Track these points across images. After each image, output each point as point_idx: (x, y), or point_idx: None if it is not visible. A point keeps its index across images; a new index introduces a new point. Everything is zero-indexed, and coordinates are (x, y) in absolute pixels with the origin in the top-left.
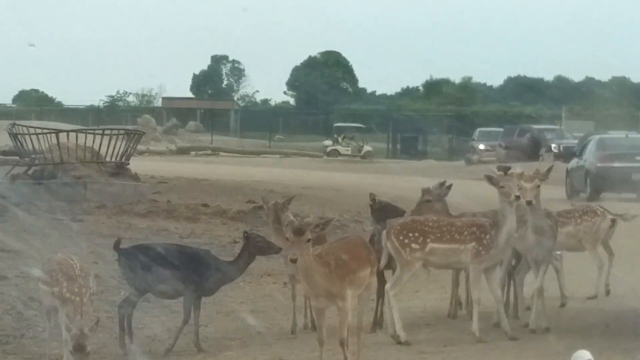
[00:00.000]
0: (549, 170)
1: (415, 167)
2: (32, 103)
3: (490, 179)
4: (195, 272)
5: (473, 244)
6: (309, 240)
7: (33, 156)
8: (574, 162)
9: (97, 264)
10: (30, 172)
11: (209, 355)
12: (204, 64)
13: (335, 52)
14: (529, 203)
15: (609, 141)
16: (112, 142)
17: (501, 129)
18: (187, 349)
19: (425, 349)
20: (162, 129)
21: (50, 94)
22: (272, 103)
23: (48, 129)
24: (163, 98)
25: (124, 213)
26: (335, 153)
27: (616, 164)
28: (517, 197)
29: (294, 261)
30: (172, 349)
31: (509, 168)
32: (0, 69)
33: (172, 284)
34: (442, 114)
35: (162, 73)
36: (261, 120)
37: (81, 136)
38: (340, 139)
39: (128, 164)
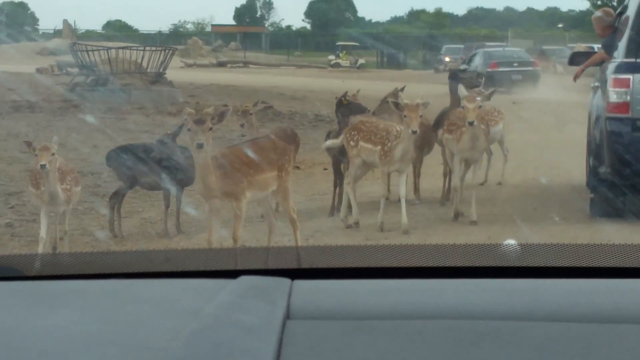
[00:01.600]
0: (492, 93)
1: (397, 75)
2: (117, 30)
3: (395, 105)
4: (173, 165)
5: (379, 147)
6: (210, 129)
7: (91, 68)
8: (462, 67)
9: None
10: (88, 81)
11: (185, 237)
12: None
13: None
14: (470, 123)
15: (492, 53)
16: (152, 56)
17: (462, 46)
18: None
19: (371, 235)
20: (211, 47)
21: (129, 23)
22: (294, 28)
23: (101, 46)
24: (212, 25)
25: (159, 113)
26: (337, 65)
27: (500, 69)
28: (414, 132)
29: (200, 146)
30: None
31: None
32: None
33: (153, 177)
34: (419, 35)
35: (212, 6)
36: (285, 41)
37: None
38: (341, 54)
39: (164, 73)
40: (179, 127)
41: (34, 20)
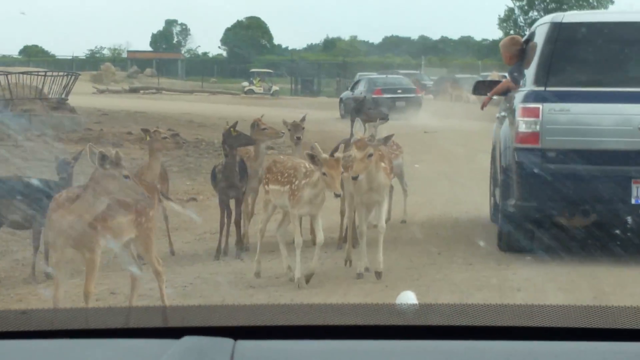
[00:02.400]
0: (388, 138)
1: (310, 102)
2: (33, 55)
3: (311, 159)
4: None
5: (287, 187)
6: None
7: None
8: (347, 94)
9: None
10: None
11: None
12: (160, 26)
13: (256, 17)
14: (354, 178)
15: (376, 80)
16: (54, 81)
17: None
18: None
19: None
20: (126, 73)
21: (46, 48)
22: (210, 55)
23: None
24: (128, 51)
25: (59, 140)
26: (251, 92)
27: (384, 95)
28: (337, 195)
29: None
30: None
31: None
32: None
33: (20, 214)
34: (333, 62)
35: (128, 33)
36: (201, 67)
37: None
38: (254, 81)
39: (67, 99)
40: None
41: None
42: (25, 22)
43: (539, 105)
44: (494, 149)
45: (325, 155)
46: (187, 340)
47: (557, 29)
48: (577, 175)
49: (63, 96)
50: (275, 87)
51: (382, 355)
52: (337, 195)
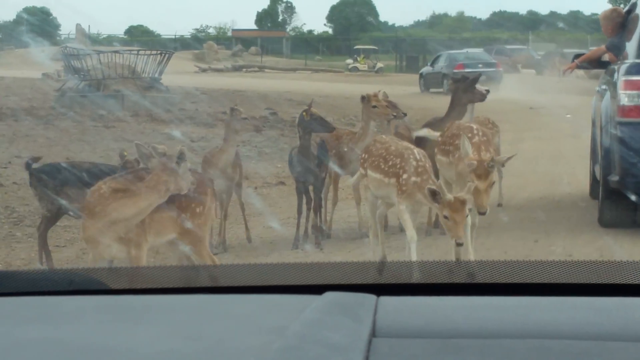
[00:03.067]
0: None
1: (415, 79)
2: (138, 35)
3: (433, 195)
4: None
5: (394, 179)
6: None
7: (82, 73)
8: (427, 69)
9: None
10: (80, 86)
11: None
12: (265, 4)
13: None
14: (481, 213)
15: (457, 55)
16: (147, 60)
17: (482, 49)
18: None
19: None
20: (231, 52)
21: (151, 28)
22: (315, 32)
23: (93, 49)
24: (233, 30)
25: (152, 121)
26: (355, 69)
27: (466, 70)
28: (459, 244)
29: None
30: None
31: None
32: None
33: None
34: (439, 39)
35: (233, 11)
36: (306, 45)
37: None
38: (359, 58)
39: (160, 78)
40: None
41: (56, 25)
42: (131, 2)
43: None
44: (593, 124)
45: (450, 197)
46: (329, 295)
47: None
48: None
49: (156, 75)
50: (379, 64)
51: (517, 309)
52: (459, 244)
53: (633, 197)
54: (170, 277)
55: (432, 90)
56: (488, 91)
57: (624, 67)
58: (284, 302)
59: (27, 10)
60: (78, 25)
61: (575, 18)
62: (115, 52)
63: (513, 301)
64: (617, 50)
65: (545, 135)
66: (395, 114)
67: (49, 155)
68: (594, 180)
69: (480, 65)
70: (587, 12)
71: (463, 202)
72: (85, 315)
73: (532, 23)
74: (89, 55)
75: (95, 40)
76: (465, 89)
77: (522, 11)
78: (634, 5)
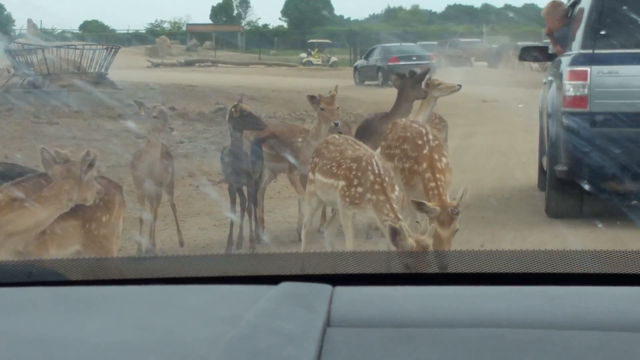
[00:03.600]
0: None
1: None
2: (93, 30)
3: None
4: None
5: (343, 182)
6: None
7: (25, 70)
8: (362, 62)
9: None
10: (24, 82)
11: None
12: None
13: None
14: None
15: (391, 48)
16: (94, 55)
17: (436, 43)
18: None
19: None
20: (185, 47)
21: (106, 23)
22: (270, 27)
23: (36, 45)
24: (188, 24)
25: (99, 117)
26: (309, 63)
27: (401, 62)
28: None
29: None
30: None
31: None
32: (71, 4)
33: None
34: (393, 32)
35: (188, 6)
36: (261, 39)
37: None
38: (312, 52)
39: (107, 74)
40: None
41: (11, 20)
42: None
43: (587, 68)
44: (541, 116)
45: (412, 242)
46: (285, 285)
47: None
48: (628, 138)
49: (102, 70)
50: (334, 58)
51: (470, 298)
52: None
53: (580, 187)
54: (128, 268)
55: (366, 83)
56: (460, 86)
57: (568, 58)
58: (239, 293)
59: None
60: (29, 20)
61: (529, 10)
62: (59, 47)
63: (466, 290)
64: (563, 42)
65: (498, 128)
66: (337, 122)
67: None
68: (541, 171)
69: (414, 58)
70: (541, 4)
71: (425, 249)
72: (40, 307)
73: (486, 16)
74: (33, 50)
75: (49, 35)
76: (412, 84)
77: (477, 4)
78: (577, 1)
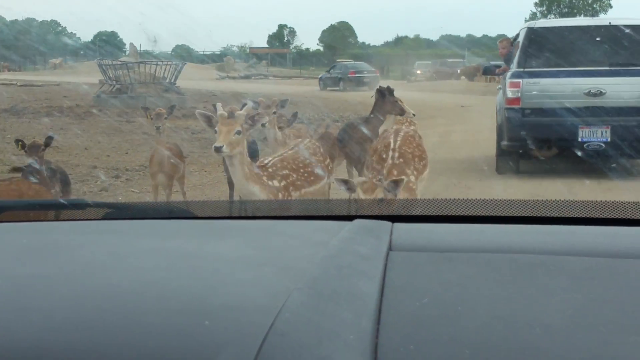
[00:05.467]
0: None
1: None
2: (181, 51)
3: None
4: None
5: None
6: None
7: (113, 80)
8: (325, 74)
9: (127, 154)
10: (112, 89)
11: None
12: (274, 29)
13: (345, 21)
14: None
15: (348, 64)
16: (166, 69)
17: (430, 62)
18: None
19: None
20: (248, 64)
21: (191, 46)
22: (311, 50)
23: (120, 61)
24: (250, 47)
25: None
26: None
27: (356, 75)
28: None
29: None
30: None
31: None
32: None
33: None
34: (400, 54)
35: (252, 34)
36: (303, 59)
37: (149, 66)
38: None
39: (174, 83)
40: None
41: (122, 43)
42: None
43: (520, 80)
44: (496, 111)
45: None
46: (358, 222)
47: (531, 31)
48: (544, 124)
49: (172, 80)
50: None
51: (524, 236)
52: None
53: (516, 154)
54: (244, 208)
55: (328, 89)
56: (414, 114)
57: (509, 74)
58: (325, 226)
59: (101, 33)
60: (131, 44)
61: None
62: (139, 63)
63: (489, 227)
64: (508, 64)
65: (471, 127)
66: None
67: (74, 144)
68: (498, 146)
69: (365, 72)
70: (510, 34)
71: (368, 191)
72: (182, 234)
73: (469, 43)
74: (119, 66)
75: (146, 55)
76: (390, 99)
77: (463, 34)
78: (517, 35)
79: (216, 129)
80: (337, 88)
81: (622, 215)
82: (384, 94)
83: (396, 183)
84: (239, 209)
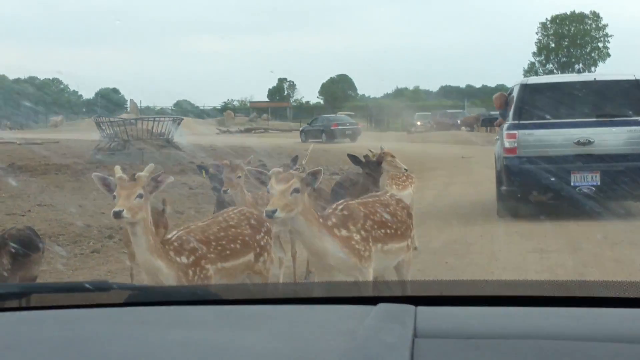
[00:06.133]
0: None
1: (379, 135)
2: (183, 107)
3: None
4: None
5: None
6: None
7: (112, 137)
8: (307, 127)
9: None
10: (110, 145)
11: None
12: (274, 83)
13: (344, 74)
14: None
15: (330, 117)
16: (162, 125)
17: (430, 113)
18: None
19: None
20: (248, 118)
21: (192, 101)
22: (311, 102)
23: (118, 118)
24: (251, 102)
25: (165, 171)
26: None
27: (339, 127)
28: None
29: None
30: None
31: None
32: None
33: None
34: (401, 106)
35: (252, 88)
36: (303, 112)
37: (147, 122)
38: None
39: (172, 138)
40: None
41: (123, 101)
42: (179, 83)
43: (516, 132)
44: (495, 159)
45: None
46: (382, 306)
47: (525, 87)
48: (539, 170)
49: (170, 136)
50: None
51: (528, 318)
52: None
53: (515, 198)
54: (266, 290)
55: (310, 140)
56: (406, 169)
57: (506, 125)
58: (349, 311)
59: (102, 90)
60: (131, 100)
61: (500, 90)
62: (137, 119)
63: (514, 310)
64: (504, 117)
65: (471, 179)
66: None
67: (69, 202)
68: (498, 192)
69: (347, 124)
70: (509, 84)
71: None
72: (208, 322)
73: (469, 94)
74: (117, 122)
75: (147, 111)
76: (375, 166)
77: (462, 85)
78: (512, 90)
79: (115, 193)
80: (320, 140)
81: None
82: (358, 162)
83: (314, 175)
84: (262, 292)
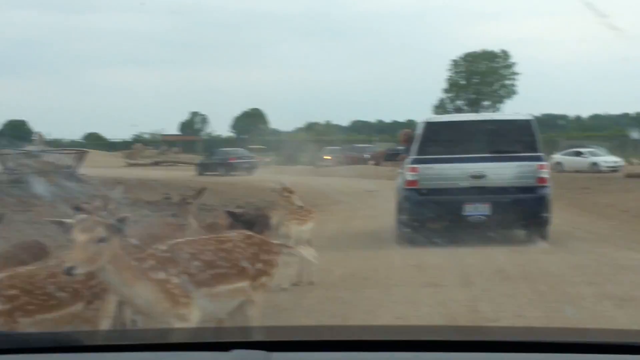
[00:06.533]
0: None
1: (288, 169)
2: (92, 140)
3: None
4: None
5: None
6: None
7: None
8: (203, 160)
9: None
10: (11, 179)
11: None
12: (186, 116)
13: (257, 108)
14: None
15: (229, 151)
16: (66, 157)
17: (339, 147)
18: None
19: None
20: (159, 151)
21: (102, 134)
22: (223, 136)
23: (21, 150)
24: (162, 135)
25: (66, 204)
26: None
27: (237, 160)
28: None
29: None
30: None
31: None
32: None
33: None
34: (311, 140)
35: (163, 121)
36: (215, 146)
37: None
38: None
39: (76, 171)
40: None
41: (30, 134)
42: (89, 115)
43: (418, 166)
44: (396, 191)
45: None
46: (235, 353)
47: (428, 125)
48: (436, 201)
49: (73, 169)
50: (267, 159)
51: None
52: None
53: (413, 227)
54: (111, 338)
55: (206, 173)
56: (301, 206)
57: (409, 160)
58: (200, 358)
59: (11, 122)
60: (38, 133)
61: (410, 125)
62: (39, 152)
63: (372, 356)
64: (407, 152)
65: (374, 213)
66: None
67: None
68: (397, 220)
69: (245, 158)
70: (418, 119)
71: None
72: None
73: (379, 129)
74: (19, 155)
75: (55, 143)
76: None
77: (373, 120)
78: (417, 127)
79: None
80: (216, 173)
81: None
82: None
83: (122, 220)
84: (119, 337)
